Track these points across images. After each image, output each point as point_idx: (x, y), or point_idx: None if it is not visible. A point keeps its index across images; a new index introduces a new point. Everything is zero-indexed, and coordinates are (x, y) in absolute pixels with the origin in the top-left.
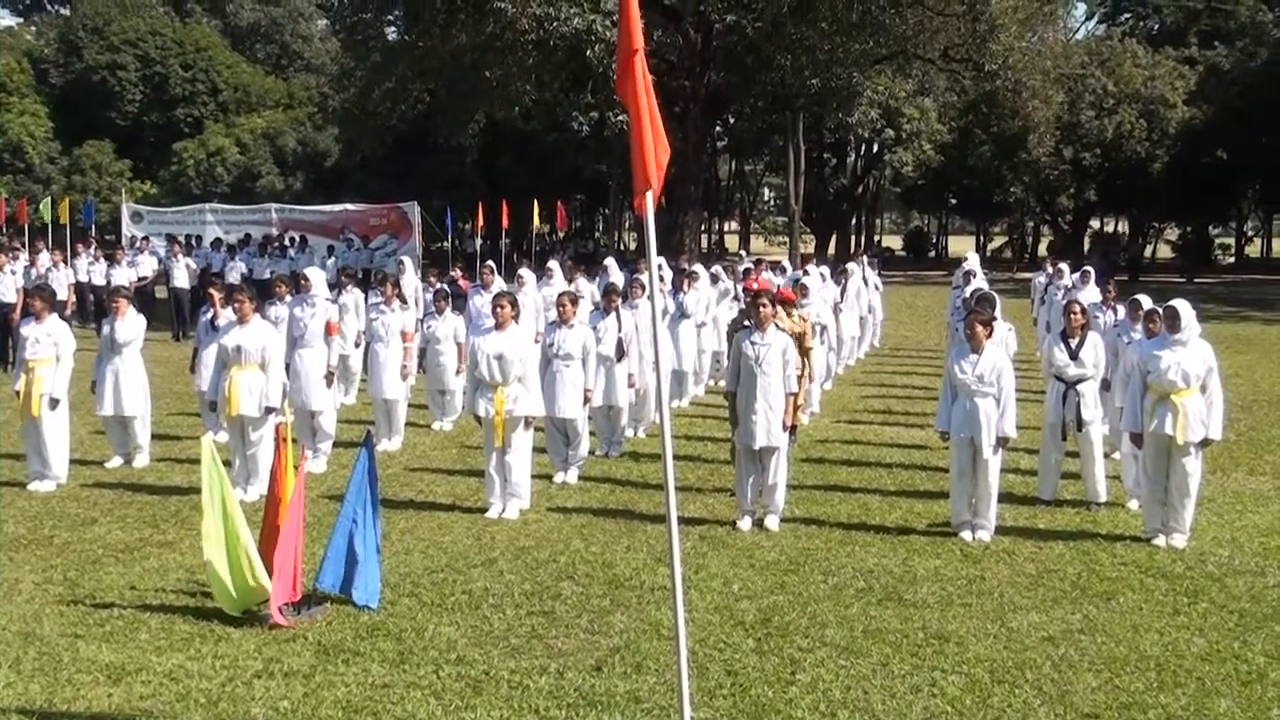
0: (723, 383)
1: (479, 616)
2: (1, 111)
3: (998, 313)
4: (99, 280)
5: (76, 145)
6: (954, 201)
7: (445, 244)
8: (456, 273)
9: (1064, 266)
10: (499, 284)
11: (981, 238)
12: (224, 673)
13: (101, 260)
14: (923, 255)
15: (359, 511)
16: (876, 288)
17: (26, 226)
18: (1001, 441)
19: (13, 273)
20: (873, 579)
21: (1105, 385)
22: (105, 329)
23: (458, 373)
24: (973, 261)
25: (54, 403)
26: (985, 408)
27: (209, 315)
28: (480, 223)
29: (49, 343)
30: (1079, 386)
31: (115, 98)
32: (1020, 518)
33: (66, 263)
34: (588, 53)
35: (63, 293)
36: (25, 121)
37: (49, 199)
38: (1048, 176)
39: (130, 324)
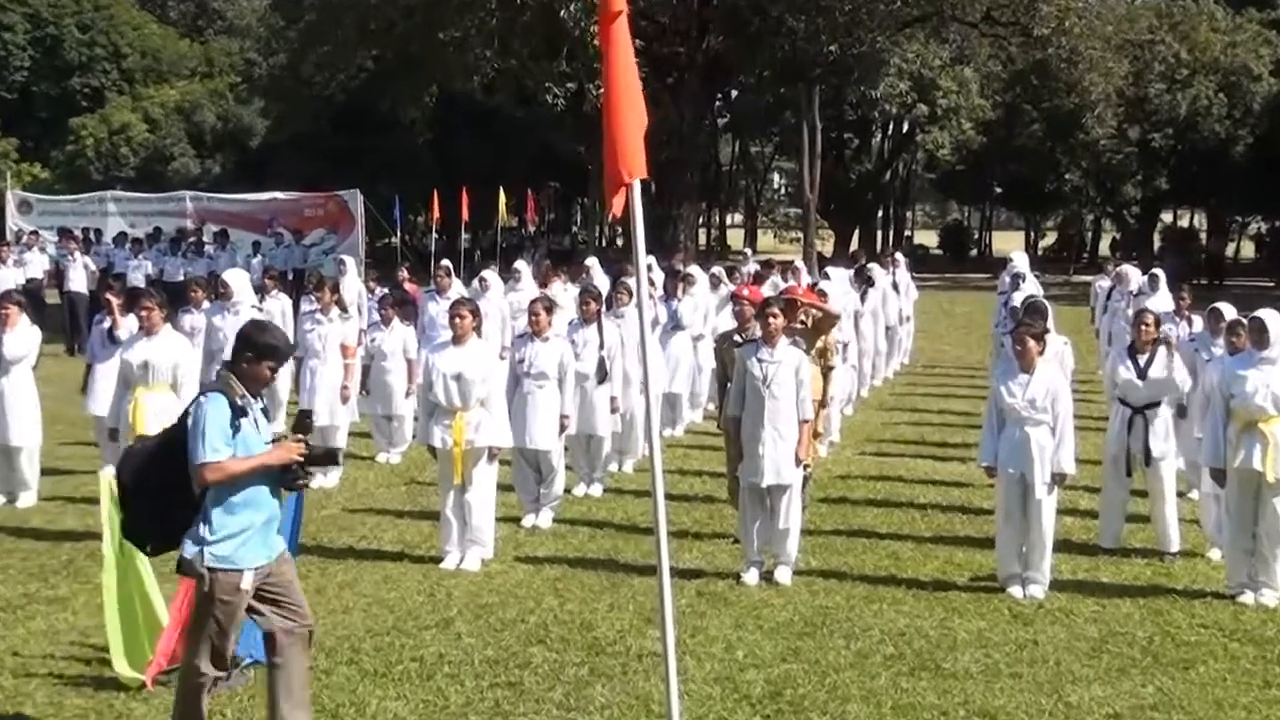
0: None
1: (432, 689)
2: None
3: (1051, 324)
4: None
5: None
6: (999, 190)
7: (393, 240)
8: (404, 274)
9: (1127, 269)
10: (458, 289)
11: (1032, 233)
12: None
13: None
14: (962, 254)
15: None
16: (908, 292)
17: None
18: (1058, 479)
19: None
20: (904, 644)
21: (1180, 411)
22: None
23: (407, 395)
24: (1021, 262)
25: None
26: (1038, 438)
27: (106, 325)
28: (435, 215)
29: None
30: (1148, 412)
31: None
32: (1079, 570)
33: None
34: (562, 12)
35: None
36: None
37: None
38: (1109, 161)
39: (21, 336)
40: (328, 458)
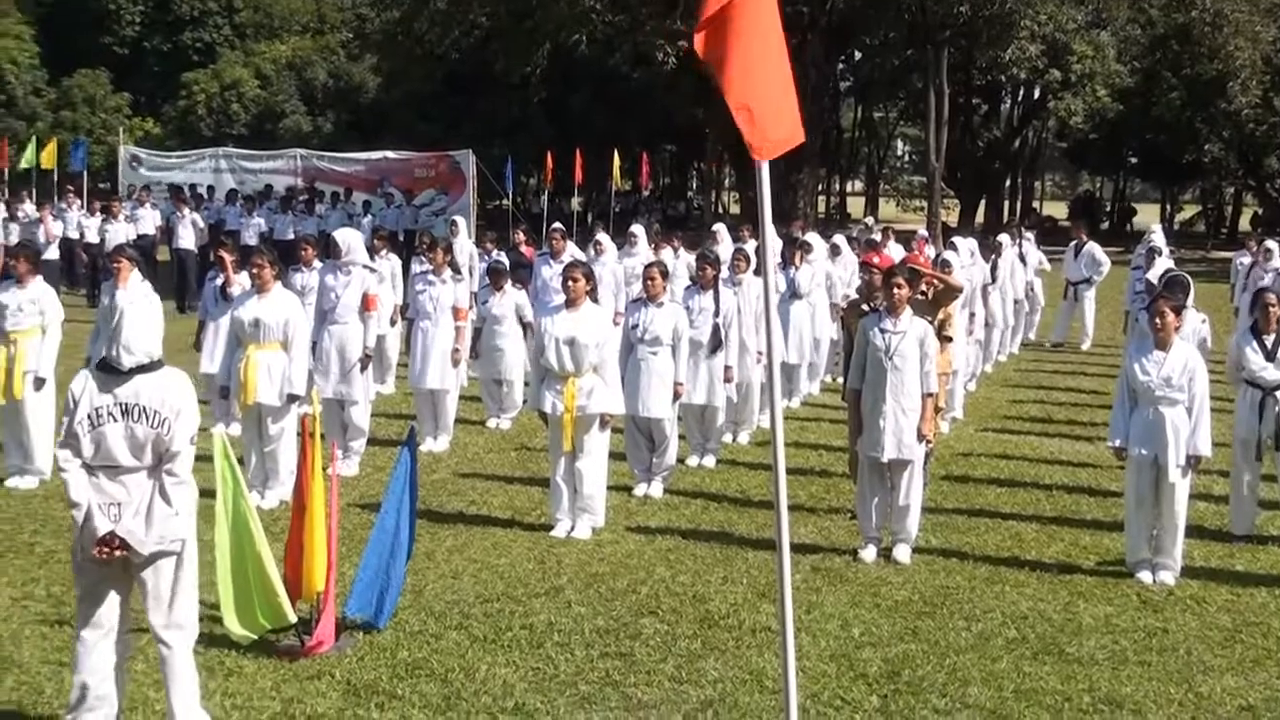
0: (843, 379)
1: (541, 657)
2: None
3: (1190, 300)
4: (92, 237)
5: (66, 75)
6: (1134, 161)
7: (505, 202)
8: (519, 237)
9: (1272, 245)
10: (571, 252)
11: (1169, 206)
12: (235, 714)
13: (95, 213)
14: (1094, 226)
15: (397, 525)
16: (1041, 266)
17: (6, 171)
18: (1193, 461)
19: None
20: (1027, 627)
21: None
22: (104, 298)
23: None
24: (1158, 236)
25: (39, 382)
26: (1173, 418)
27: (219, 282)
28: (548, 177)
29: (33, 311)
30: (1278, 394)
31: (112, 18)
32: (1214, 557)
33: (54, 216)
34: None
35: (49, 251)
36: (6, 46)
37: (34, 139)
38: (1253, 132)
39: (134, 292)
40: None
